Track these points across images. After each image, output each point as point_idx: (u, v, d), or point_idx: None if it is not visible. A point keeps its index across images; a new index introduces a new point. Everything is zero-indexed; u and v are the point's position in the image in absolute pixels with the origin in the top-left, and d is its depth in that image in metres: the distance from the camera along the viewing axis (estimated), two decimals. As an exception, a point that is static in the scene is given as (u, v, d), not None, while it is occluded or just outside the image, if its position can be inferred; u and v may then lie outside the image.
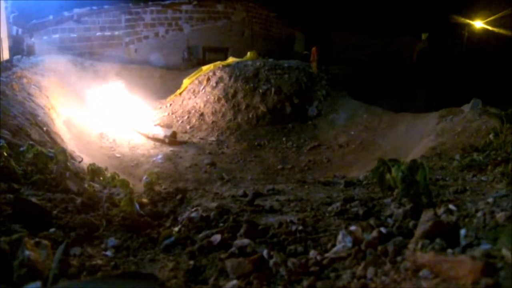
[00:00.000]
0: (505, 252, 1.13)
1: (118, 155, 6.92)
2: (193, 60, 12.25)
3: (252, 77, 9.62)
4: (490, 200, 1.82)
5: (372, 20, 12.65)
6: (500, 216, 1.57)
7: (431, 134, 5.90)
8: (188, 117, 9.22)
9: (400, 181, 2.06)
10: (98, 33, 11.16)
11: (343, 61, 11.78)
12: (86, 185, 3.21)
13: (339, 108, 9.30)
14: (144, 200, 3.01)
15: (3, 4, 7.79)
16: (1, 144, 3.09)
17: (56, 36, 10.56)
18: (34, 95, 6.17)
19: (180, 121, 9.15)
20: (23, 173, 2.84)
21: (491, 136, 4.29)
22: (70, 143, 5.59)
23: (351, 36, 13.38)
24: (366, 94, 9.59)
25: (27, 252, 1.37)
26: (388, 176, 2.24)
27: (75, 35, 10.84)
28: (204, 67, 10.22)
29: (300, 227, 2.02)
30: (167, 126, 8.79)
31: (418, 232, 1.46)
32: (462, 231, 1.41)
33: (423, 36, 11.14)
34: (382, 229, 1.65)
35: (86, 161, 4.62)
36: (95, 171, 3.82)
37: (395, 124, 7.95)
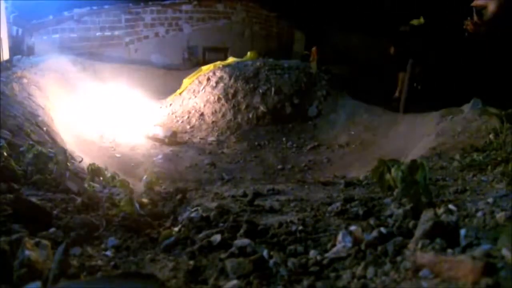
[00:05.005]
0: (505, 252, 1.13)
1: (118, 155, 6.92)
2: (193, 60, 12.24)
3: (252, 77, 9.61)
4: (490, 200, 1.82)
5: (372, 20, 12.63)
6: (500, 216, 1.57)
7: (431, 134, 5.90)
8: (188, 117, 9.22)
9: (400, 181, 2.06)
10: (98, 33, 11.14)
11: (343, 61, 11.76)
12: (86, 185, 3.21)
13: (339, 108, 9.30)
14: (144, 200, 3.01)
15: (3, 4, 7.78)
16: (1, 144, 3.09)
17: (56, 36, 10.54)
18: (34, 95, 6.17)
19: (180, 121, 9.14)
20: (23, 173, 2.84)
21: (491, 136, 4.29)
22: (70, 143, 5.59)
23: (351, 36, 13.35)
24: (366, 94, 9.58)
25: (27, 252, 1.37)
26: (388, 176, 2.25)
27: (75, 35, 10.82)
28: (204, 67, 10.21)
29: (300, 227, 2.02)
30: (167, 126, 8.79)
31: (418, 232, 1.46)
32: (462, 231, 1.41)
33: (416, 22, 9.89)
34: (382, 229, 1.66)
35: (86, 161, 4.61)
36: (95, 171, 3.82)
37: (395, 124, 7.94)
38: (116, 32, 11.38)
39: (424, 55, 9.43)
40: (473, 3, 5.98)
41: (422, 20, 9.64)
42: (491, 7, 5.69)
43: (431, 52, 9.62)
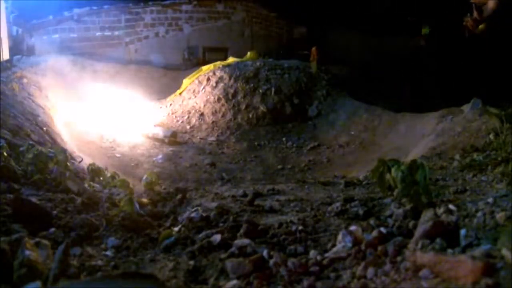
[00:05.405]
0: (505, 252, 1.13)
1: (118, 155, 6.92)
2: (193, 60, 12.24)
3: (252, 77, 9.61)
4: (490, 200, 1.82)
5: (372, 20, 12.63)
6: (500, 216, 1.57)
7: (431, 134, 5.90)
8: (188, 117, 9.22)
9: (400, 181, 2.06)
10: (98, 33, 11.15)
11: (343, 61, 11.77)
12: (86, 185, 3.21)
13: (339, 108, 9.30)
14: (144, 200, 3.01)
15: (3, 4, 7.79)
16: (1, 144, 3.09)
17: (56, 36, 10.56)
18: (34, 95, 6.18)
19: (180, 121, 9.15)
20: (23, 173, 2.84)
21: (491, 136, 4.29)
22: (70, 143, 5.59)
23: (351, 36, 13.36)
24: (366, 94, 9.59)
25: (27, 252, 1.37)
26: (388, 176, 2.24)
27: (75, 35, 10.84)
28: (204, 67, 10.22)
29: (300, 227, 2.02)
30: (167, 126, 8.79)
31: (418, 232, 1.46)
32: (462, 231, 1.41)
33: (423, 31, 10.19)
34: (382, 229, 1.66)
35: (86, 161, 4.62)
36: (95, 171, 3.82)
37: (395, 124, 7.95)
38: (116, 32, 11.39)
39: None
40: (473, 0, 5.96)
41: (427, 29, 9.81)
42: (491, 3, 5.68)
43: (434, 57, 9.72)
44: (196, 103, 9.44)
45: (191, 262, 1.67)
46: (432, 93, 9.60)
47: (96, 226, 2.10)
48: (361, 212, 2.24)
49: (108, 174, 3.94)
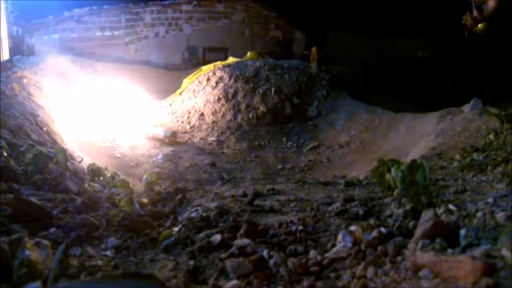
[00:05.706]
0: (505, 252, 1.13)
1: (118, 155, 6.92)
2: (193, 60, 12.24)
3: (252, 77, 9.61)
4: (490, 200, 1.82)
5: (372, 20, 12.63)
6: (500, 216, 1.57)
7: (431, 134, 5.90)
8: (188, 117, 9.22)
9: (400, 181, 2.06)
10: (98, 33, 11.15)
11: (343, 61, 11.77)
12: (86, 185, 3.21)
13: (339, 108, 9.30)
14: (144, 200, 3.01)
15: (3, 4, 7.79)
16: (1, 144, 3.09)
17: (56, 36, 10.55)
18: (34, 95, 6.18)
19: (180, 121, 9.14)
20: (23, 173, 2.84)
21: (491, 136, 4.29)
22: (70, 143, 5.59)
23: (351, 36, 13.37)
24: (366, 94, 9.58)
25: (27, 252, 1.37)
26: (388, 176, 2.24)
27: (75, 35, 10.83)
28: (204, 67, 10.21)
29: (300, 227, 2.02)
30: (167, 126, 8.79)
31: (418, 232, 1.46)
32: (462, 231, 1.41)
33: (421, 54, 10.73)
34: (382, 229, 1.66)
35: (86, 161, 4.62)
36: (95, 171, 3.82)
37: (395, 124, 7.95)
38: (116, 32, 11.39)
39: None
40: None
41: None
42: (491, 3, 5.66)
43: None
44: (196, 103, 9.44)
45: (191, 262, 1.67)
46: (432, 93, 9.60)
47: (96, 226, 2.10)
48: (361, 212, 2.24)
49: (108, 174, 3.94)
